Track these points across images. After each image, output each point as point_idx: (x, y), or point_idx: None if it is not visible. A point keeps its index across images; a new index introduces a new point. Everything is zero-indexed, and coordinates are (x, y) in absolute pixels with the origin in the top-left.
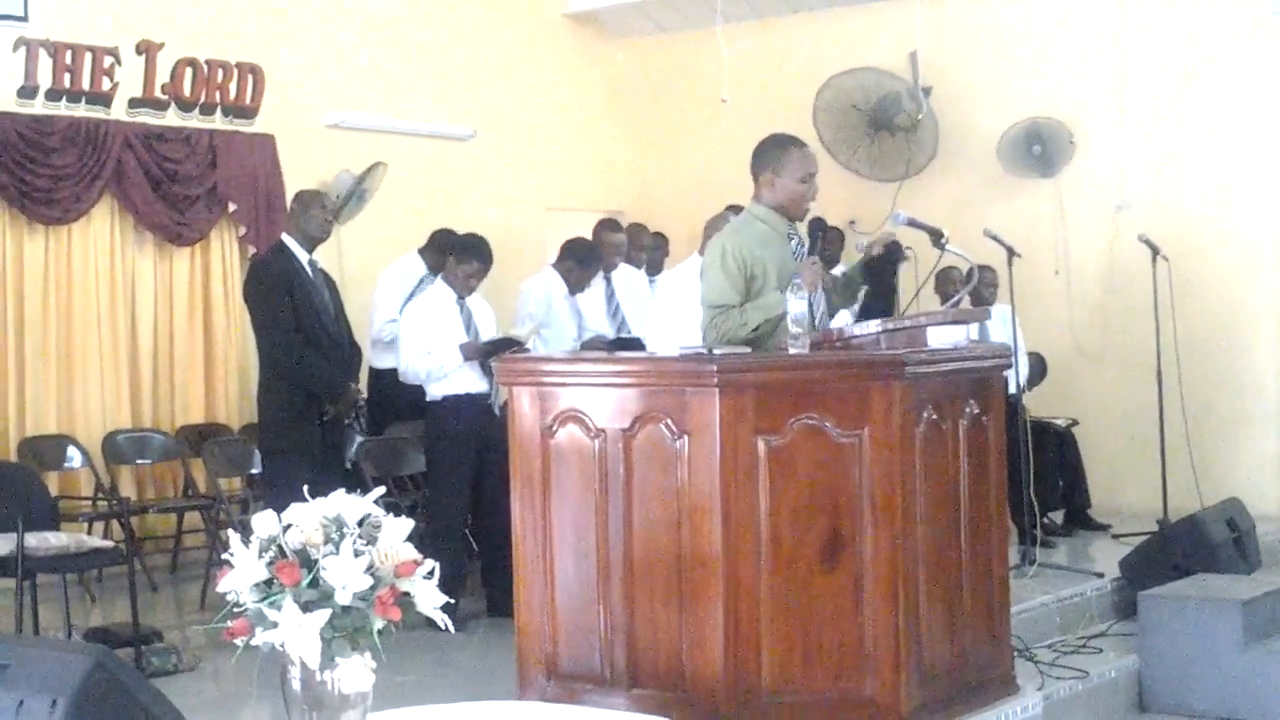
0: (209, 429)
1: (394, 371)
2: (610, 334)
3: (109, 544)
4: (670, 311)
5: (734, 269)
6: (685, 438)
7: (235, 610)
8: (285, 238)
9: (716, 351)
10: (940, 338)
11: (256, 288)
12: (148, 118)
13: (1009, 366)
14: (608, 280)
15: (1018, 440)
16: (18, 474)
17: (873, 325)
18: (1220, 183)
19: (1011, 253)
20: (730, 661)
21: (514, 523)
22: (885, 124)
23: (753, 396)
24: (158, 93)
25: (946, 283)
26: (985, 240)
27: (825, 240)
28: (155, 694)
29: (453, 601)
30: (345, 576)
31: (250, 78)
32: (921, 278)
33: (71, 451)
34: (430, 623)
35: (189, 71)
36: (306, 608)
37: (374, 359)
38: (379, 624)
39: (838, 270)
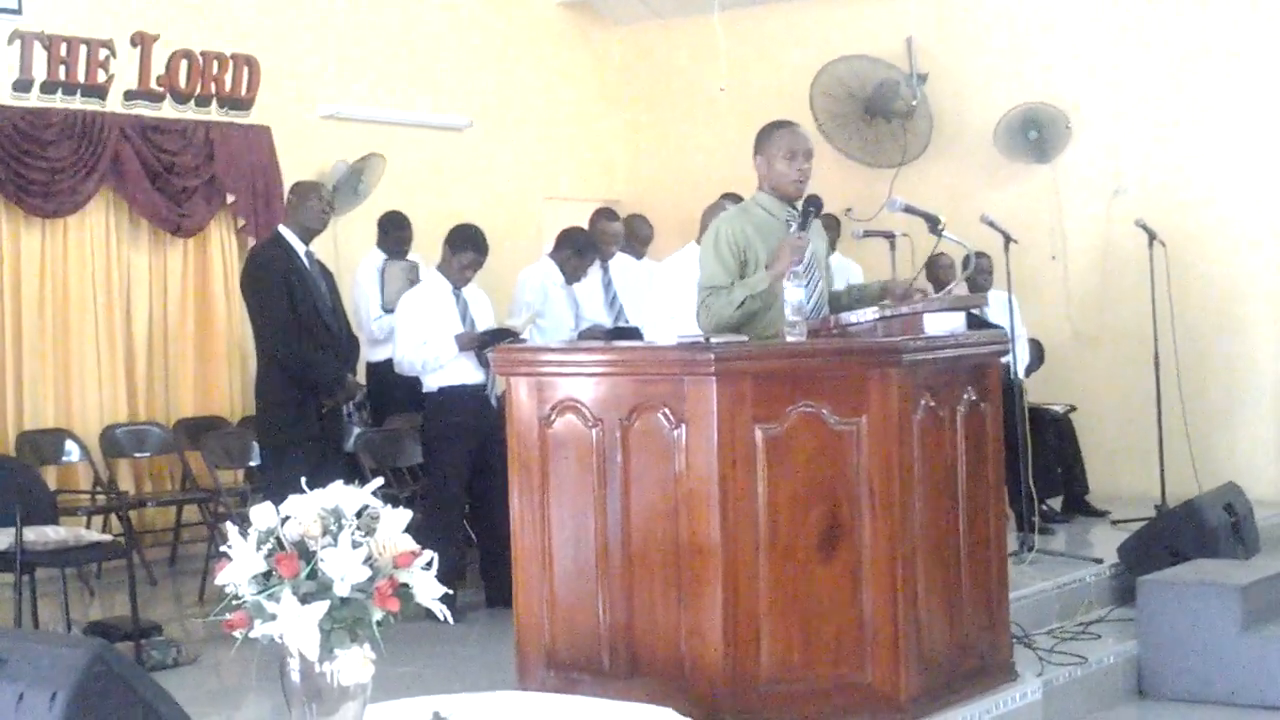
0: (207, 422)
1: (390, 363)
2: (608, 323)
3: (108, 538)
4: (667, 300)
5: (726, 252)
6: (683, 426)
7: (234, 603)
8: (282, 229)
9: (714, 340)
10: (937, 325)
11: (253, 279)
12: (143, 110)
13: (1006, 353)
14: (605, 270)
15: (1016, 427)
16: (16, 468)
17: (869, 313)
18: (1217, 167)
19: (1008, 239)
20: (729, 650)
21: (512, 513)
22: (882, 110)
23: (750, 385)
24: (153, 85)
25: (937, 269)
26: (982, 226)
27: (817, 214)
28: (155, 687)
29: (451, 592)
30: (344, 568)
31: (245, 69)
32: (919, 264)
33: (69, 445)
34: (429, 614)
35: (184, 63)
36: (305, 600)
37: (369, 353)
38: (378, 615)
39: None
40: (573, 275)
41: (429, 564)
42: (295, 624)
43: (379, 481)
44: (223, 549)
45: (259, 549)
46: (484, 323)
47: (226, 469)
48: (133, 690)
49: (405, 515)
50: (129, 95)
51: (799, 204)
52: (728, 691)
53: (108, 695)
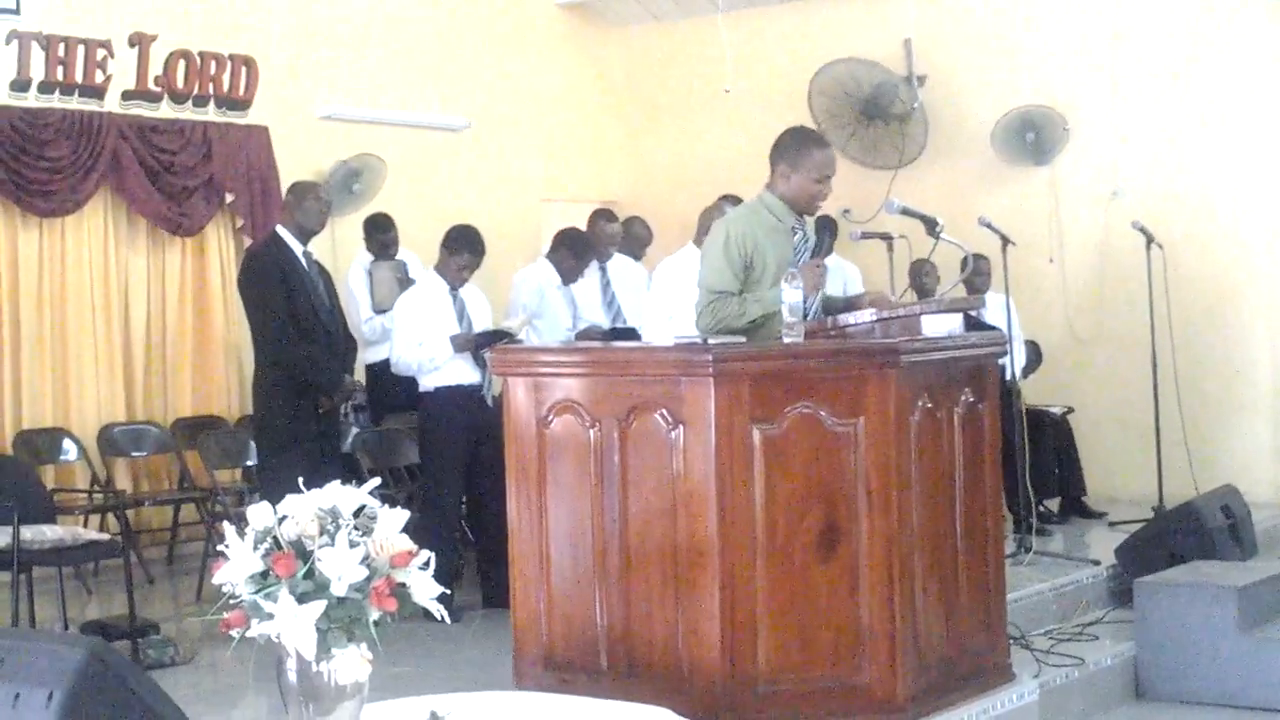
0: (204, 421)
1: (388, 364)
2: (606, 324)
3: (105, 537)
4: (665, 301)
5: (735, 255)
6: (681, 427)
7: (231, 602)
8: (280, 229)
9: (711, 341)
10: (935, 326)
11: (251, 279)
12: (141, 110)
13: (1004, 354)
14: (603, 270)
15: (1013, 428)
16: (13, 467)
17: (867, 314)
18: (1214, 169)
19: (1006, 241)
20: (726, 650)
21: (509, 513)
22: (880, 112)
23: (748, 386)
24: (151, 85)
25: (919, 275)
26: (979, 228)
27: (833, 242)
28: (152, 686)
29: (448, 592)
30: (341, 568)
31: (243, 69)
32: None
33: (67, 444)
34: (426, 614)
35: (182, 63)
36: (302, 599)
37: (365, 354)
38: (375, 615)
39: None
40: (569, 276)
41: (426, 564)
42: (292, 623)
43: (376, 481)
44: (220, 548)
45: (256, 548)
46: (481, 323)
47: (224, 468)
48: (130, 689)
49: (402, 515)
50: (127, 95)
51: (806, 218)
52: (725, 692)
53: (104, 694)
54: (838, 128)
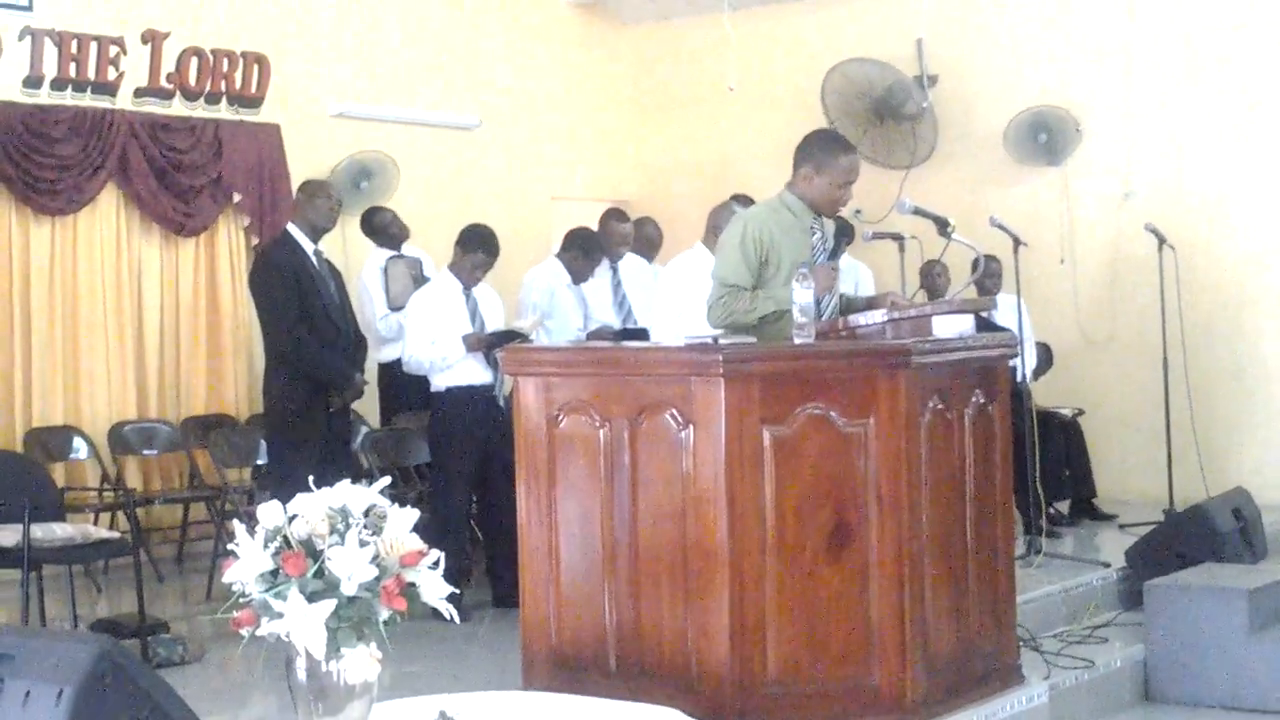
0: (215, 420)
1: (400, 363)
2: (616, 324)
3: (115, 535)
4: (676, 301)
5: (751, 250)
6: (691, 427)
7: (241, 601)
8: (290, 227)
9: (722, 341)
10: (946, 327)
11: (262, 278)
12: (153, 107)
13: (1015, 356)
14: (614, 270)
15: (1024, 430)
16: (24, 465)
17: (878, 315)
18: (1227, 171)
19: (1018, 241)
20: (736, 651)
21: (519, 513)
22: (892, 112)
23: (758, 386)
24: (163, 82)
25: (931, 275)
26: (991, 229)
27: (848, 244)
28: (161, 684)
29: (458, 592)
30: (351, 567)
31: (255, 67)
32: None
33: (77, 442)
34: (435, 613)
35: (194, 61)
36: (312, 598)
37: (378, 353)
38: (384, 614)
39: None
40: (579, 275)
41: (436, 563)
42: (302, 622)
43: (386, 480)
44: (230, 547)
45: (266, 547)
46: (494, 323)
47: (234, 467)
48: (139, 687)
49: (413, 514)
50: (139, 92)
51: (825, 220)
52: (734, 692)
53: (114, 692)
54: (851, 127)
